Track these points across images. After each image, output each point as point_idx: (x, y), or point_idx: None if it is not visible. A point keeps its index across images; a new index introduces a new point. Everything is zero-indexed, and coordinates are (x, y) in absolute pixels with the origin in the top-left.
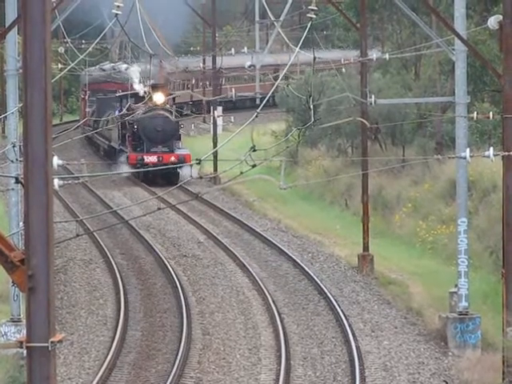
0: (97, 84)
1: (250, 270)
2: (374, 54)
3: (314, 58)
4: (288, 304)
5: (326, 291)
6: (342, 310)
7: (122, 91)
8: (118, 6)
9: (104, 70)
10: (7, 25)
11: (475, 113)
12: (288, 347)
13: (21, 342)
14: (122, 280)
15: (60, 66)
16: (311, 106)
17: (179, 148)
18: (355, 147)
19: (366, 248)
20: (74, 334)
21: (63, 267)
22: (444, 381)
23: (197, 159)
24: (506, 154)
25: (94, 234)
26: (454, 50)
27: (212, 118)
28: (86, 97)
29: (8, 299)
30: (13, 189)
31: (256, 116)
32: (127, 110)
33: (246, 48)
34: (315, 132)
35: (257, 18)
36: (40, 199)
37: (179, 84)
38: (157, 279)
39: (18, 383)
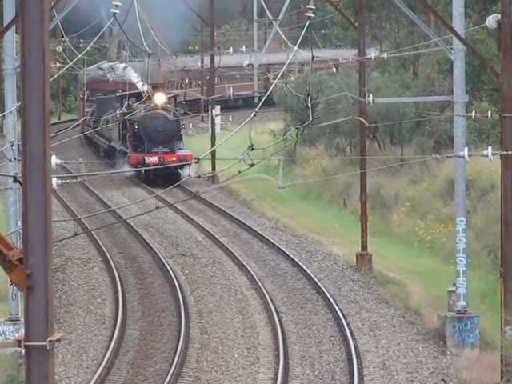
0: (95, 83)
1: (249, 269)
2: (372, 53)
3: (312, 57)
4: (286, 303)
5: (325, 290)
6: (340, 309)
7: (122, 91)
8: (117, 5)
9: (102, 70)
10: (5, 24)
11: (473, 112)
12: (286, 346)
13: (19, 341)
14: (120, 279)
15: (58, 65)
16: (309, 105)
17: (180, 148)
18: (353, 146)
19: (364, 247)
20: (72, 333)
21: (61, 266)
22: (442, 380)
23: (195, 158)
24: (505, 153)
25: (93, 233)
26: (452, 49)
27: (210, 116)
28: (85, 96)
29: (6, 298)
30: (11, 188)
31: (254, 115)
32: (126, 109)
33: (244, 47)
34: (313, 131)
35: (255, 17)
36: (38, 198)
37: (173, 83)
38: (155, 278)
39: (17, 382)
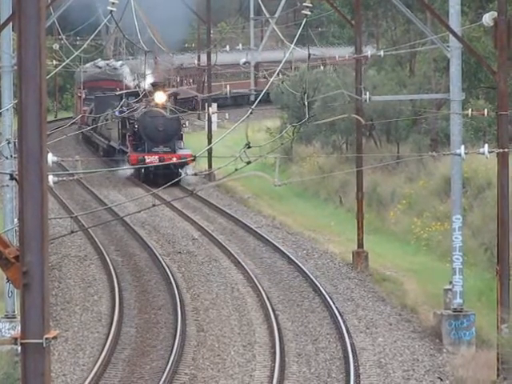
0: (93, 82)
1: (245, 266)
2: (368, 51)
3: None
4: (282, 301)
5: (321, 288)
6: (336, 307)
7: (120, 89)
8: (113, 3)
9: (99, 67)
10: (2, 21)
11: (470, 110)
12: (282, 344)
13: (15, 339)
14: (116, 277)
15: (55, 62)
16: (306, 103)
17: (181, 148)
18: (350, 144)
19: (360, 245)
20: (68, 330)
21: (58, 264)
22: (438, 377)
23: (192, 156)
24: (501, 150)
25: (89, 230)
26: (448, 46)
27: (206, 114)
28: (83, 95)
29: (2, 296)
30: (7, 185)
31: (251, 113)
32: (122, 107)
33: (240, 45)
34: (310, 129)
35: (251, 15)
36: (35, 196)
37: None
38: (151, 276)
39: (13, 380)
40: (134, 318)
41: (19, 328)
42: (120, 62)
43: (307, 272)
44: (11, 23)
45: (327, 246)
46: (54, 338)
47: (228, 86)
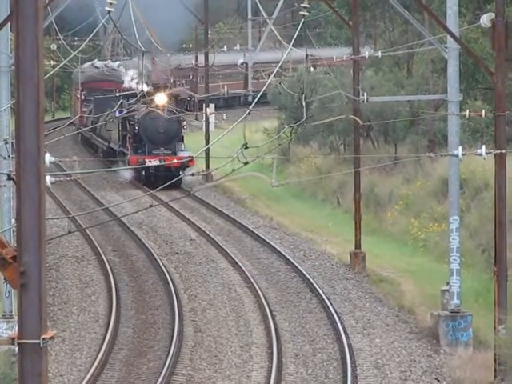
0: (93, 82)
1: (242, 267)
2: (366, 52)
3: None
4: (280, 301)
5: (318, 289)
6: (333, 308)
7: (119, 90)
8: (111, 3)
9: (97, 68)
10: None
11: (467, 111)
12: (280, 345)
13: (12, 339)
14: (113, 277)
15: (52, 62)
16: (303, 104)
17: (182, 150)
18: (347, 145)
19: (357, 246)
20: (65, 330)
21: (55, 264)
22: (436, 379)
23: (189, 156)
24: (499, 152)
25: (86, 231)
26: (446, 47)
27: (204, 115)
28: (81, 96)
29: (0, 296)
30: (5, 185)
31: (248, 113)
32: (120, 108)
33: (238, 45)
34: (307, 129)
35: (249, 16)
36: (32, 196)
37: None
38: (149, 276)
39: (10, 380)
40: (131, 319)
41: (16, 328)
42: (117, 63)
43: (304, 273)
44: (9, 23)
45: (325, 247)
46: (51, 338)
47: (226, 87)
